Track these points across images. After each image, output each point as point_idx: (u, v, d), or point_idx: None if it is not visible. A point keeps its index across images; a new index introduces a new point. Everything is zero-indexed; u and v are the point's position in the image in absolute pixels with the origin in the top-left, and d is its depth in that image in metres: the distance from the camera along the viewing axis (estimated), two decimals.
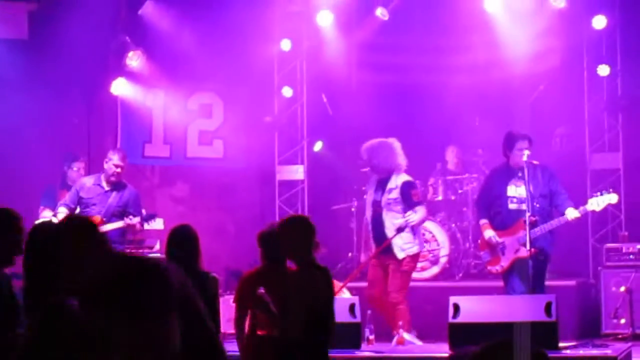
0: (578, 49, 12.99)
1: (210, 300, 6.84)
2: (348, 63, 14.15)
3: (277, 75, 14.16)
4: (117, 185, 11.19)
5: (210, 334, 4.34)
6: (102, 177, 11.20)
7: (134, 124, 13.61)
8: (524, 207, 10.25)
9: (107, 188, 11.17)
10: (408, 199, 10.53)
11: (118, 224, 10.88)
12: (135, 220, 10.89)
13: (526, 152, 10.31)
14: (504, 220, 10.50)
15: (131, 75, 13.23)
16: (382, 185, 10.69)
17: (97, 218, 10.87)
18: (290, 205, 14.05)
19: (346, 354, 8.86)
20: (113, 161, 11.16)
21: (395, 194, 10.56)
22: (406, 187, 10.58)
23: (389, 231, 10.49)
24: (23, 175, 12.31)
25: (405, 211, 10.49)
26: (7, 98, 12.56)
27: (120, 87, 13.16)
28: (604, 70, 12.67)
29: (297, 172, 14.13)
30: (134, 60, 13.08)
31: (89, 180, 11.31)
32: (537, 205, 10.35)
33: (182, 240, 7.39)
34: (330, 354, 8.70)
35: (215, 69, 13.60)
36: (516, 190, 10.44)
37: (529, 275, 9.99)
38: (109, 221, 10.91)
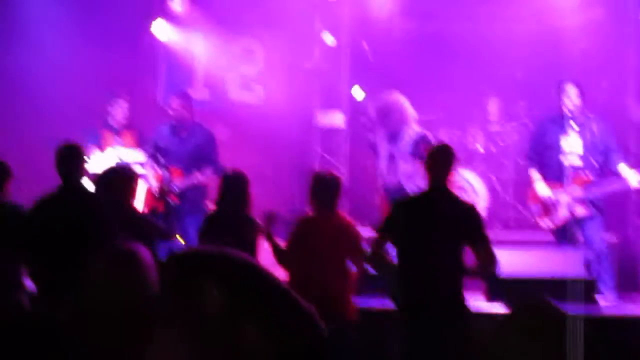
0: None
1: (250, 245, 7.45)
2: (390, 10, 14.01)
3: (318, 22, 14.08)
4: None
5: None
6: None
7: (175, 67, 13.63)
8: (577, 161, 10.07)
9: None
10: (416, 151, 10.34)
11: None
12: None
13: (573, 99, 10.07)
14: (557, 174, 10.11)
15: (174, 19, 13.23)
16: (394, 137, 10.50)
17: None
18: (331, 152, 14.05)
19: None
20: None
21: (409, 147, 10.41)
22: (419, 139, 10.41)
23: (404, 180, 10.45)
24: (71, 115, 12.38)
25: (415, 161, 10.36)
26: (52, 40, 12.62)
27: (161, 30, 13.17)
28: None
29: (338, 118, 14.11)
30: (177, 3, 13.08)
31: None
32: (595, 164, 10.11)
33: (232, 187, 7.85)
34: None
35: (257, 14, 13.56)
36: (570, 142, 10.08)
37: (579, 235, 9.91)
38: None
